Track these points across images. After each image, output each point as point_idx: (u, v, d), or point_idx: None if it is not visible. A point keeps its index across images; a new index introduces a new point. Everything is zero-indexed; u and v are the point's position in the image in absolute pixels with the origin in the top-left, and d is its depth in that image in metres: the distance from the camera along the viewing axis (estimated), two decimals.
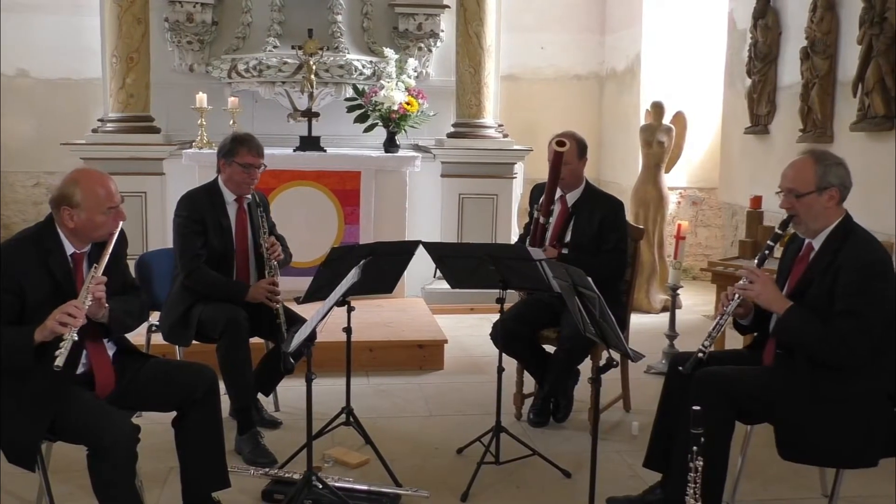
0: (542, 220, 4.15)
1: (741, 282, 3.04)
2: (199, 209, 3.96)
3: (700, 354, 3.01)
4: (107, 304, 2.84)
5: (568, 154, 4.12)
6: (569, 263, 3.09)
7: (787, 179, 3.02)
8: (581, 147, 4.23)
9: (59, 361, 2.60)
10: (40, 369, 2.73)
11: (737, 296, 3.02)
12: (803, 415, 2.87)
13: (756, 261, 3.11)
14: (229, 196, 4.03)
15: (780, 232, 3.08)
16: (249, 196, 4.04)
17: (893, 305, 2.86)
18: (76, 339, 2.66)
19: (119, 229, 2.91)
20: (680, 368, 3.06)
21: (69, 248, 2.86)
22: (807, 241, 3.07)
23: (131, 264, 3.46)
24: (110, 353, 3.01)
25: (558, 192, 4.21)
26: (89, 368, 2.93)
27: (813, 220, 2.98)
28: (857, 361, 2.82)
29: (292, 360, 3.03)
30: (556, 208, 4.24)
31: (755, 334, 3.29)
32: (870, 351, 2.81)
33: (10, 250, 2.80)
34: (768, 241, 3.10)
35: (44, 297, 2.73)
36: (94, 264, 2.83)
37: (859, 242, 2.91)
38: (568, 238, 4.21)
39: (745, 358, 3.23)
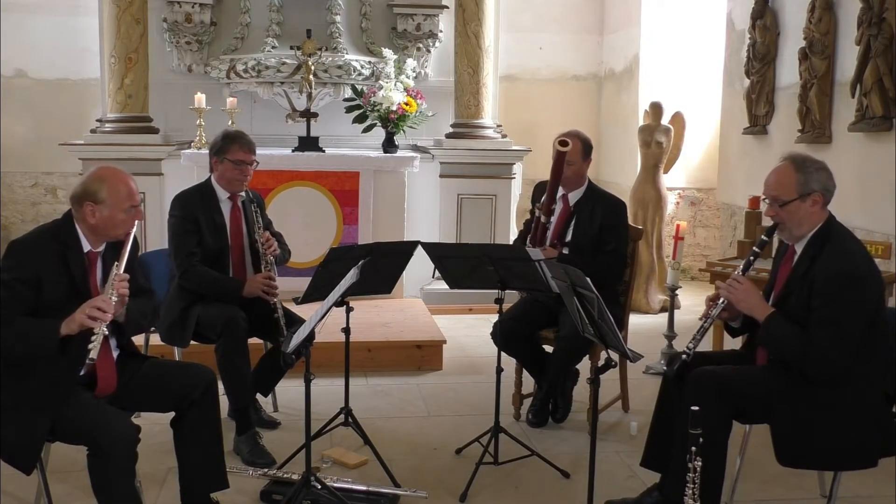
0: (543, 219, 4.15)
1: (724, 286, 3.04)
2: (191, 208, 3.96)
3: (684, 356, 3.01)
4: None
5: (572, 153, 4.11)
6: (566, 264, 3.09)
7: (769, 188, 3.01)
8: (586, 147, 4.22)
9: (94, 354, 2.66)
10: (43, 371, 2.74)
11: (720, 300, 3.02)
12: (800, 417, 2.86)
13: (741, 268, 3.11)
14: (223, 194, 4.03)
15: (765, 239, 3.07)
16: (243, 194, 4.04)
17: (872, 309, 2.85)
18: (106, 332, 2.72)
19: (135, 229, 2.93)
20: (664, 370, 3.06)
21: (86, 246, 2.89)
22: (790, 244, 3.08)
23: None
24: (114, 354, 3.01)
25: (560, 192, 4.21)
26: (92, 369, 2.92)
27: (797, 227, 2.98)
28: (837, 373, 2.82)
29: (293, 357, 3.03)
30: (558, 207, 4.24)
31: (748, 334, 3.28)
32: (850, 358, 2.80)
33: (30, 243, 2.82)
34: (753, 248, 3.08)
35: (59, 293, 2.76)
36: (116, 262, 2.86)
37: (835, 251, 2.89)
38: (569, 238, 4.20)
39: (742, 358, 3.23)
